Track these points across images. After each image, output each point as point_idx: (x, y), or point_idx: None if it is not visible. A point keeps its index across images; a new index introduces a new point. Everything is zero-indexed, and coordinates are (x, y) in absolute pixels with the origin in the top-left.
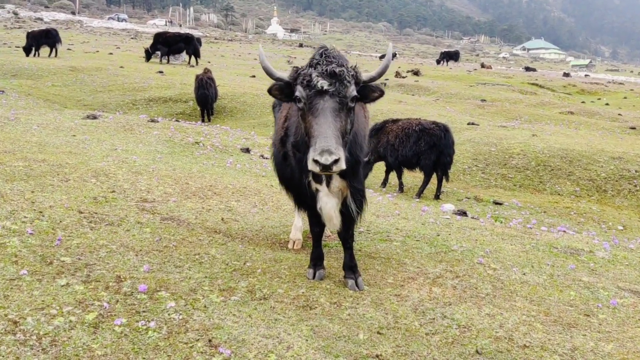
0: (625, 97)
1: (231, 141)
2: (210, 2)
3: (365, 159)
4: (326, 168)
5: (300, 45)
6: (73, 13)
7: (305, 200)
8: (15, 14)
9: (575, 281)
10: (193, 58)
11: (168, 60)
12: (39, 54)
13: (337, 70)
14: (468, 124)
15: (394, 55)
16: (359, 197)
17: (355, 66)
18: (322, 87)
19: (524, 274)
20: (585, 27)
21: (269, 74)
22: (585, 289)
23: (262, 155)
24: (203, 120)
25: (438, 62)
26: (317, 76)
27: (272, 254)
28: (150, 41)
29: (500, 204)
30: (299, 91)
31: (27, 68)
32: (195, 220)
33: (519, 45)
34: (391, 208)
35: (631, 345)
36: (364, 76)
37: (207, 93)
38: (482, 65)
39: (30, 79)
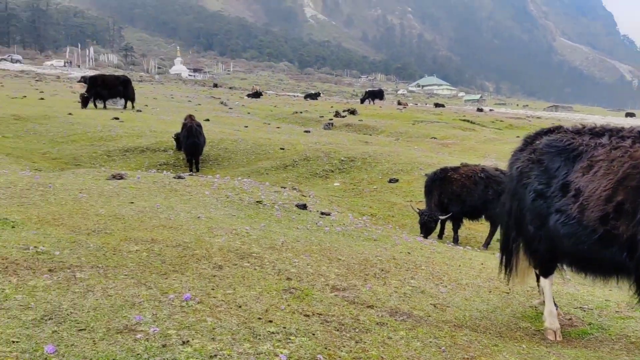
0: None
1: (273, 196)
2: (108, 42)
3: (445, 216)
4: None
5: (215, 86)
6: None
7: None
8: None
9: None
10: (129, 102)
11: (104, 106)
12: None
13: None
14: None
15: (318, 95)
16: None
17: None
18: None
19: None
20: (470, 64)
21: None
22: None
23: (322, 212)
24: (191, 170)
25: (362, 101)
26: None
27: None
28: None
29: None
30: None
31: None
32: (421, 313)
33: (414, 82)
34: None
35: None
36: None
37: (198, 142)
38: (399, 103)
39: None
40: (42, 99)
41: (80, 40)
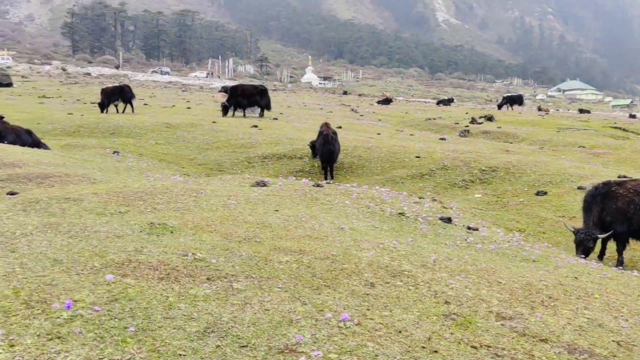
0: None
1: (415, 207)
2: (245, 53)
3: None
4: None
5: (345, 93)
6: (116, 67)
7: None
8: (64, 69)
9: None
10: (265, 110)
11: (244, 114)
12: (117, 110)
13: None
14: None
15: (452, 100)
16: None
17: None
18: None
19: None
20: (618, 67)
21: None
22: None
23: (469, 227)
24: (326, 178)
25: (499, 106)
26: None
27: None
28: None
29: None
30: None
31: (123, 126)
32: (604, 351)
33: (554, 86)
34: None
35: None
36: None
37: (333, 149)
38: (540, 109)
39: (130, 137)
40: (188, 108)
41: (220, 52)
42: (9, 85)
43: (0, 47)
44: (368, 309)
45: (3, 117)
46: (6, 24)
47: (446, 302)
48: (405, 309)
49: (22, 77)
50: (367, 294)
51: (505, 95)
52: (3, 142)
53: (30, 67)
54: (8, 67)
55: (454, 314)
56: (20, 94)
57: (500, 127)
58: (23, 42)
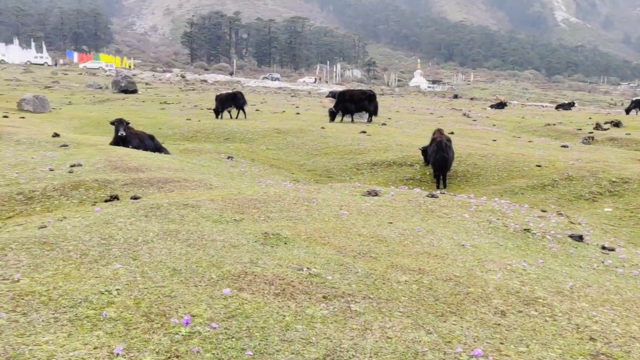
0: None
1: (542, 223)
2: (353, 58)
3: None
4: None
5: (455, 97)
6: (230, 74)
7: None
8: (183, 76)
9: None
10: (371, 116)
11: (352, 119)
12: (231, 116)
13: None
14: None
15: (572, 104)
16: None
17: None
18: None
19: None
20: None
21: None
22: None
23: (604, 247)
24: (438, 187)
25: (627, 111)
26: None
27: None
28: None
29: None
30: None
31: (236, 131)
32: None
33: None
34: None
35: None
36: None
37: (447, 157)
38: None
39: (243, 142)
40: (297, 113)
41: (329, 57)
42: (135, 92)
43: (127, 56)
44: (501, 343)
45: (129, 123)
46: (133, 34)
47: (592, 339)
48: (544, 344)
49: (146, 84)
50: (499, 324)
51: (634, 99)
52: (128, 147)
53: (153, 75)
54: (134, 75)
55: (602, 354)
56: (144, 100)
57: (629, 134)
58: (147, 52)
